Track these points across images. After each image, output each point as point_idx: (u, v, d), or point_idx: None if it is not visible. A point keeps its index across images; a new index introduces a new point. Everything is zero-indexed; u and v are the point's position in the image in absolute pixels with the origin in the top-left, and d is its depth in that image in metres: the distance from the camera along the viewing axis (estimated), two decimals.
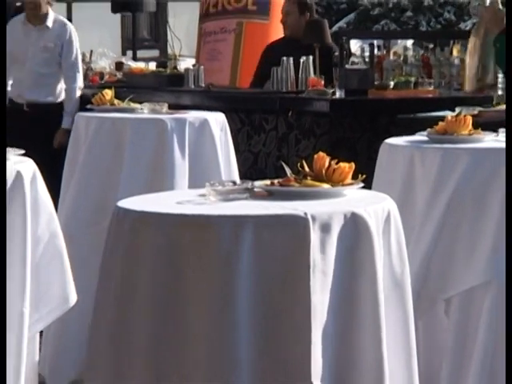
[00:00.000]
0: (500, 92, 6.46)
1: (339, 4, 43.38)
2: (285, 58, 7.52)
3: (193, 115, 5.21)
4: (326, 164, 2.80)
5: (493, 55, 6.82)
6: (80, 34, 7.94)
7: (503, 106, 5.45)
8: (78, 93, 7.64)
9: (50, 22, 7.77)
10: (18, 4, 11.62)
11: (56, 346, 4.88)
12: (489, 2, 6.93)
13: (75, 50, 7.74)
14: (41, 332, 3.75)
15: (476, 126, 4.12)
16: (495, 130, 4.15)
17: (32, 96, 7.73)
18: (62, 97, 7.72)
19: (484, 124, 4.20)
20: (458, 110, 4.53)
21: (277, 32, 8.97)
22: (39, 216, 3.52)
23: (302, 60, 7.64)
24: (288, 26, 8.32)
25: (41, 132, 7.31)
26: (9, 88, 7.79)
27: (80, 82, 7.75)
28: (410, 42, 8.89)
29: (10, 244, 3.41)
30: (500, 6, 6.86)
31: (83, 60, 9.69)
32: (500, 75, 6.75)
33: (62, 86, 7.74)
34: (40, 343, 3.76)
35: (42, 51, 7.74)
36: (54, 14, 7.84)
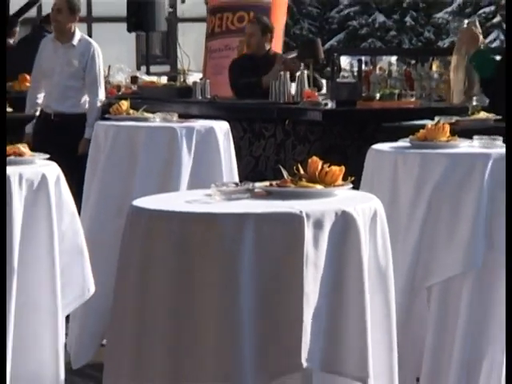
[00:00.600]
0: (474, 103, 6.48)
1: (331, 24, 43.29)
2: (282, 73, 7.56)
3: (200, 124, 5.22)
4: (319, 167, 2.82)
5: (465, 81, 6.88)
6: (100, 50, 7.94)
7: (477, 116, 5.47)
8: (99, 106, 7.63)
9: (75, 41, 7.76)
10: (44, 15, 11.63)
11: (79, 331, 4.91)
12: (466, 24, 6.97)
13: (97, 66, 7.72)
14: (67, 317, 3.73)
15: (453, 133, 4.12)
16: (470, 137, 4.15)
17: (59, 107, 7.71)
18: (86, 108, 7.71)
19: (460, 132, 4.21)
20: (437, 119, 4.54)
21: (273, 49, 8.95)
22: (63, 214, 3.52)
23: (297, 74, 7.67)
24: (251, 45, 8.36)
25: (66, 140, 7.29)
26: (40, 100, 7.80)
27: (101, 95, 7.71)
28: (393, 59, 8.91)
29: (36, 239, 3.41)
30: (477, 26, 6.88)
31: (103, 73, 9.71)
32: (474, 88, 6.79)
33: (86, 99, 7.71)
34: (66, 328, 3.73)
35: (68, 66, 7.73)
36: (80, 34, 7.83)
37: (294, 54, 8.84)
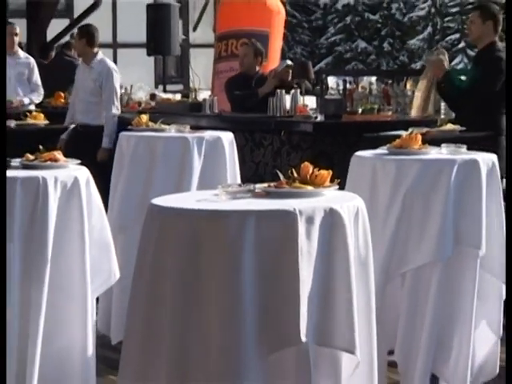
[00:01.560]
0: (442, 116, 6.48)
1: (320, 49, 43.43)
2: (278, 91, 7.55)
3: (209, 134, 5.20)
4: (310, 171, 2.80)
5: (434, 92, 6.88)
6: (123, 72, 7.94)
7: (445, 127, 5.45)
8: (114, 119, 7.61)
9: (94, 63, 7.74)
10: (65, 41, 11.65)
11: (117, 311, 4.92)
12: (435, 55, 7.02)
13: (111, 85, 7.69)
14: (97, 299, 3.72)
15: (424, 142, 4.10)
16: (439, 145, 4.14)
17: (83, 119, 7.71)
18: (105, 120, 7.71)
19: (430, 141, 4.20)
20: (410, 130, 4.53)
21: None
22: (92, 211, 3.51)
23: (292, 92, 7.67)
24: (245, 64, 8.29)
25: (90, 147, 7.29)
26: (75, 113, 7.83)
27: (115, 110, 7.67)
28: (373, 79, 8.85)
29: (69, 233, 3.40)
30: (444, 53, 6.89)
31: (126, 92, 9.70)
32: (442, 104, 6.78)
33: (106, 112, 7.72)
34: (97, 308, 3.72)
35: (88, 84, 7.73)
36: (101, 57, 7.81)
37: (284, 64, 8.82)
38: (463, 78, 6.68)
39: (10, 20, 10.55)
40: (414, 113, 7.18)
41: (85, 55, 7.78)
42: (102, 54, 7.90)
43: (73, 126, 7.74)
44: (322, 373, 2.66)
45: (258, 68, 8.26)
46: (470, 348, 3.95)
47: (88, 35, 7.78)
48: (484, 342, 4.06)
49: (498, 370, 4.11)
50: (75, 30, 8.64)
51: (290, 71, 8.26)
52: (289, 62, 9.36)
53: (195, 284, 2.55)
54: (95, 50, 7.78)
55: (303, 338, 2.51)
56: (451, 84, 6.43)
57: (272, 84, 7.86)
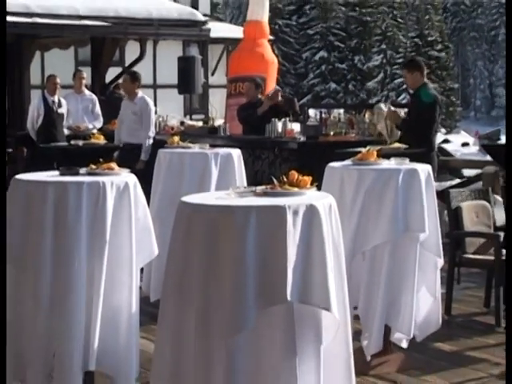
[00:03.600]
0: (388, 140, 6.55)
1: (303, 89, 43.49)
2: (273, 119, 7.61)
3: (223, 150, 5.23)
4: (296, 177, 2.78)
5: (385, 124, 6.93)
6: (160, 105, 7.97)
7: (393, 145, 5.44)
8: (149, 141, 7.61)
9: (136, 99, 7.73)
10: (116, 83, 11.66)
11: (156, 276, 4.92)
12: (387, 107, 7.12)
13: (148, 116, 7.71)
14: (141, 269, 3.71)
15: (378, 156, 4.11)
16: (389, 158, 4.13)
17: (127, 139, 7.71)
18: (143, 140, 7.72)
19: (382, 155, 4.19)
20: (368, 147, 4.51)
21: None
22: (138, 206, 3.49)
23: (283, 119, 7.69)
24: (249, 96, 8.31)
25: (132, 159, 7.27)
26: (122, 136, 7.82)
27: (151, 133, 7.70)
28: (341, 110, 8.87)
29: (122, 222, 3.37)
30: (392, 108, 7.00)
31: (162, 119, 9.71)
32: (384, 132, 6.87)
33: (143, 135, 7.71)
34: (141, 276, 3.70)
35: (131, 115, 7.73)
36: (141, 94, 7.81)
37: (274, 90, 8.86)
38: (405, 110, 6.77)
39: (79, 68, 10.56)
40: (375, 136, 7.27)
41: (131, 94, 7.77)
42: (142, 93, 7.90)
43: (121, 145, 7.75)
44: (305, 326, 2.63)
45: (259, 96, 8.27)
46: (414, 306, 3.95)
47: (136, 79, 7.80)
48: (425, 302, 4.06)
49: (440, 324, 4.10)
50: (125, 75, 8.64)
51: (279, 93, 8.37)
52: (277, 87, 9.41)
53: (213, 258, 2.54)
54: (138, 90, 7.79)
55: (289, 298, 2.49)
56: (396, 118, 6.64)
57: (266, 104, 7.96)
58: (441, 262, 4.06)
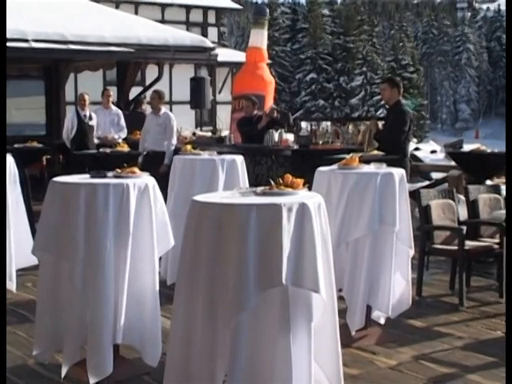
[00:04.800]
0: (367, 148, 6.55)
1: (296, 105, 43.39)
2: (270, 130, 7.61)
3: (228, 157, 5.19)
4: (290, 180, 2.78)
5: (367, 136, 6.95)
6: (176, 118, 7.94)
7: (372, 152, 5.44)
8: (172, 148, 7.60)
9: (161, 113, 7.75)
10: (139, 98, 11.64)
11: (165, 265, 4.91)
12: (371, 123, 7.17)
13: (172, 128, 7.72)
14: (160, 258, 3.68)
15: (360, 161, 4.10)
16: (368, 163, 4.12)
17: (152, 147, 7.72)
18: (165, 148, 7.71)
19: (363, 161, 4.18)
20: (351, 154, 4.51)
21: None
22: (157, 204, 3.47)
23: (279, 130, 7.69)
24: (247, 112, 8.24)
25: (156, 164, 7.27)
26: (146, 144, 7.81)
27: (174, 141, 7.71)
28: (329, 123, 8.87)
29: (143, 217, 3.36)
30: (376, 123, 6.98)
31: (177, 131, 9.70)
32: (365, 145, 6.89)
33: (166, 143, 7.71)
34: (159, 263, 3.68)
35: (157, 126, 7.73)
36: (164, 109, 7.84)
37: (270, 108, 8.86)
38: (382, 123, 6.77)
39: (107, 87, 10.53)
40: (357, 145, 7.28)
41: (156, 108, 7.78)
42: (165, 108, 7.92)
43: (145, 152, 7.73)
44: (298, 306, 2.62)
45: (255, 111, 8.27)
46: (391, 288, 3.94)
47: (163, 97, 7.84)
48: (399, 285, 4.05)
49: (410, 303, 4.09)
50: (147, 93, 8.65)
51: (274, 110, 8.40)
52: (273, 106, 9.40)
53: (219, 248, 2.52)
54: (162, 105, 7.81)
55: (284, 282, 2.48)
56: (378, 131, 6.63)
57: (265, 120, 7.94)
58: (412, 252, 4.04)
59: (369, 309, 3.98)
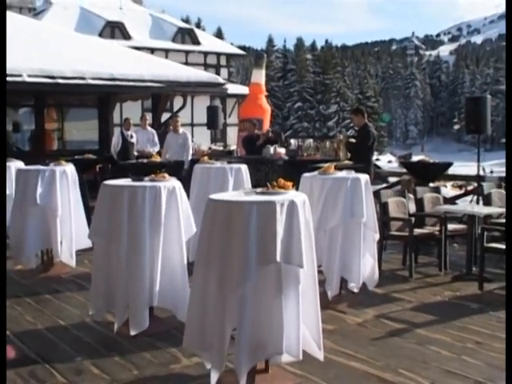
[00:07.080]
0: (342, 159, 6.49)
1: (286, 127, 43.23)
2: (267, 145, 7.59)
3: (236, 165, 5.16)
4: (282, 183, 2.75)
5: (343, 149, 6.91)
6: (196, 137, 7.98)
7: (345, 162, 5.41)
8: (189, 158, 7.61)
9: (180, 132, 7.76)
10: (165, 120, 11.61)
11: (189, 247, 4.83)
12: (344, 136, 7.09)
13: (188, 144, 7.75)
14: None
15: (335, 169, 4.08)
16: (341, 170, 4.10)
17: (174, 158, 7.72)
18: (184, 158, 7.71)
19: (338, 168, 4.16)
20: (328, 163, 4.48)
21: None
22: (182, 201, 3.44)
23: (273, 146, 7.67)
24: (249, 132, 8.23)
25: (177, 170, 7.24)
26: (167, 156, 7.80)
27: (190, 153, 7.75)
28: (311, 140, 8.84)
29: (172, 212, 3.32)
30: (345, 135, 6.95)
31: (197, 145, 9.69)
32: (341, 154, 6.77)
33: (185, 155, 7.71)
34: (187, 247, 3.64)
35: (177, 141, 7.73)
36: (182, 129, 7.86)
37: (266, 130, 8.84)
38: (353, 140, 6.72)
39: (144, 113, 10.52)
40: (342, 156, 7.18)
41: (176, 128, 7.79)
42: (182, 128, 7.92)
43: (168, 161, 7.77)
44: (288, 277, 2.60)
45: (256, 131, 8.23)
46: (361, 264, 3.90)
47: (177, 121, 7.85)
48: (368, 263, 4.01)
49: (377, 280, 4.05)
50: (173, 117, 8.62)
51: (269, 131, 8.36)
52: (269, 128, 9.38)
53: (229, 233, 2.49)
54: (180, 127, 7.81)
55: (278, 259, 2.45)
56: (349, 145, 6.51)
57: (262, 139, 7.92)
58: (377, 236, 4.01)
59: (343, 281, 3.96)
